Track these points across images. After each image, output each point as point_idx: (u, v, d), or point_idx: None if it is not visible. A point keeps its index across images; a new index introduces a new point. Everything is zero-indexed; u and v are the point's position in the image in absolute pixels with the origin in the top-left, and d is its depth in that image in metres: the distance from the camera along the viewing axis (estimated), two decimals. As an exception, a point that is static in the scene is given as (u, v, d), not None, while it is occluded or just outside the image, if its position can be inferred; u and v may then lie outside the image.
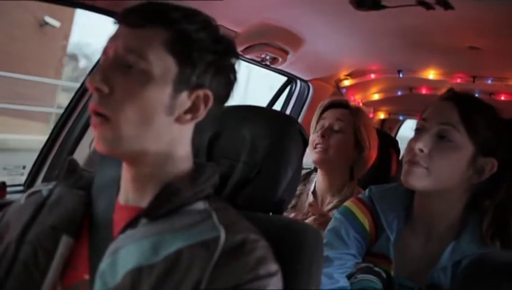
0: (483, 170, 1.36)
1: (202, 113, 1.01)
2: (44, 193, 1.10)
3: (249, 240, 0.93)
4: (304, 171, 2.41)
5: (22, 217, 1.05)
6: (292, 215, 2.10)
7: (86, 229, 1.02)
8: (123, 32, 0.97)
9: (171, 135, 0.99)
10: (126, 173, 1.01)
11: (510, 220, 1.35)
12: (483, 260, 1.13)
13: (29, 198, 1.10)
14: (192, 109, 1.00)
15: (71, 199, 1.05)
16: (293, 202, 2.16)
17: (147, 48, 0.95)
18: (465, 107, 1.35)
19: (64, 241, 0.99)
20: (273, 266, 0.93)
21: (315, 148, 2.09)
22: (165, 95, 0.96)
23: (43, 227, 1.02)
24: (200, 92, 1.00)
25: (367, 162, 2.12)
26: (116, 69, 0.94)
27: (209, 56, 0.99)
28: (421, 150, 1.35)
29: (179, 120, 0.99)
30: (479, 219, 1.37)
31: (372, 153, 2.13)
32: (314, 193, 2.14)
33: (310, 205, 2.05)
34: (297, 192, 2.20)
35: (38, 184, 1.21)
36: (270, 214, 1.16)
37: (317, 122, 2.16)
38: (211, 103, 1.01)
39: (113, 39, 0.97)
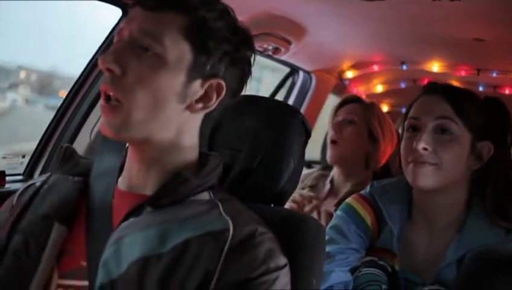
0: (481, 154, 1.38)
1: (214, 103, 1.00)
2: (38, 183, 1.08)
3: (257, 232, 0.92)
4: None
5: (15, 211, 1.04)
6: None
7: (82, 215, 1.00)
8: (139, 14, 0.96)
9: (180, 123, 0.98)
10: (132, 157, 1.00)
11: (505, 197, 1.37)
12: (485, 255, 1.12)
13: (22, 194, 1.08)
14: (204, 98, 0.99)
15: (66, 186, 1.04)
16: (314, 182, 2.26)
17: (163, 32, 0.94)
18: (455, 98, 1.37)
19: (57, 229, 0.98)
20: (282, 259, 0.93)
21: (330, 143, 2.16)
22: (178, 82, 0.95)
23: (35, 216, 1.00)
24: (214, 82, 0.99)
25: (382, 153, 2.16)
26: (130, 51, 0.93)
27: (225, 46, 0.98)
28: (425, 149, 1.35)
29: (189, 108, 0.98)
30: (483, 204, 1.38)
31: (389, 144, 2.18)
32: (332, 181, 2.22)
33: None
34: (317, 173, 2.31)
35: (34, 178, 1.20)
36: (272, 205, 1.15)
37: (332, 121, 2.22)
38: (223, 94, 1.00)
39: (128, 21, 0.96)
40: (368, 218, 1.48)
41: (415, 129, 1.39)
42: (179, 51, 0.95)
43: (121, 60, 0.92)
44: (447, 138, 1.35)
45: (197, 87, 0.98)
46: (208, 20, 0.97)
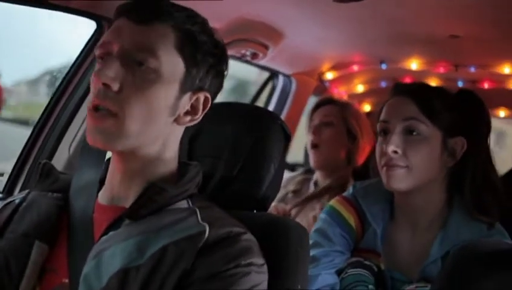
0: (454, 151, 1.39)
1: (200, 115, 1.02)
2: (17, 201, 1.07)
3: (232, 232, 0.93)
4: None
5: None
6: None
7: (64, 232, 1.00)
8: (127, 27, 0.95)
9: (167, 136, 1.00)
10: (115, 169, 1.00)
11: (484, 191, 1.38)
12: (467, 250, 1.13)
13: (1, 212, 1.06)
14: (191, 112, 1.01)
15: (45, 203, 1.03)
16: (297, 187, 2.31)
17: (157, 45, 0.94)
18: (421, 97, 1.38)
19: (37, 247, 0.97)
20: (258, 259, 0.94)
21: (311, 148, 2.22)
22: (171, 95, 0.97)
23: (14, 235, 1.00)
24: (201, 95, 1.01)
25: (362, 150, 2.22)
26: (125, 66, 0.93)
27: (211, 59, 1.00)
28: (395, 152, 1.36)
29: (177, 121, 1.00)
30: (462, 200, 1.39)
31: (367, 141, 2.23)
32: (315, 183, 2.27)
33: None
34: (301, 178, 2.36)
35: (14, 195, 1.19)
36: (254, 211, 1.15)
37: (309, 125, 2.28)
38: (209, 106, 1.02)
39: (115, 34, 0.96)
40: (351, 220, 1.48)
41: (386, 132, 1.40)
42: (172, 64, 0.96)
43: (117, 76, 0.92)
44: (415, 139, 1.36)
45: (187, 101, 0.99)
46: (195, 34, 0.98)
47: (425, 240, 1.40)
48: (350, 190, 1.54)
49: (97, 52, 0.97)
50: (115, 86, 0.92)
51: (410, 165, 1.35)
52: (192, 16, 1.00)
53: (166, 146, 1.01)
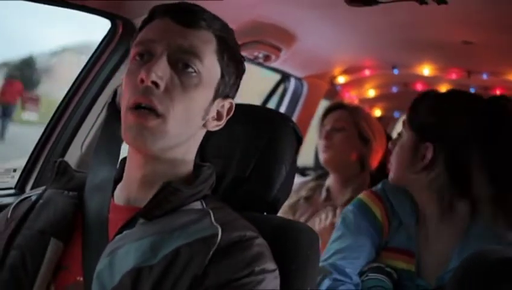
0: (423, 156, 1.43)
1: (223, 122, 1.05)
2: (33, 197, 1.08)
3: (245, 237, 0.93)
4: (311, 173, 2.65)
5: (11, 225, 1.03)
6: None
7: (78, 231, 1.01)
8: (175, 28, 0.97)
9: (194, 138, 1.02)
10: (136, 171, 1.00)
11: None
12: (481, 256, 1.12)
13: (17, 208, 1.07)
14: (217, 117, 1.03)
15: (61, 201, 1.04)
16: (309, 193, 2.29)
17: (204, 50, 0.97)
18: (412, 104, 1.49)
19: (53, 244, 0.98)
20: (270, 264, 0.94)
21: (323, 152, 2.23)
22: (207, 100, 0.99)
23: (31, 231, 1.00)
24: (227, 102, 1.04)
25: (375, 153, 2.22)
26: (171, 66, 0.95)
27: (239, 68, 1.04)
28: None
29: (205, 125, 1.02)
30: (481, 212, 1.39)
31: (379, 144, 2.23)
32: (328, 189, 2.26)
33: None
34: (313, 184, 2.34)
35: (28, 191, 1.20)
36: (265, 213, 1.15)
37: (320, 130, 2.28)
38: (231, 113, 1.05)
39: (161, 33, 0.97)
40: (378, 214, 1.48)
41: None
42: (212, 69, 0.99)
43: (165, 75, 0.94)
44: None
45: (216, 107, 1.02)
46: (229, 42, 1.01)
47: (446, 248, 1.41)
48: (380, 185, 1.54)
49: (136, 49, 0.98)
50: (162, 86, 0.93)
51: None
52: (226, 25, 1.02)
53: (190, 148, 1.03)
